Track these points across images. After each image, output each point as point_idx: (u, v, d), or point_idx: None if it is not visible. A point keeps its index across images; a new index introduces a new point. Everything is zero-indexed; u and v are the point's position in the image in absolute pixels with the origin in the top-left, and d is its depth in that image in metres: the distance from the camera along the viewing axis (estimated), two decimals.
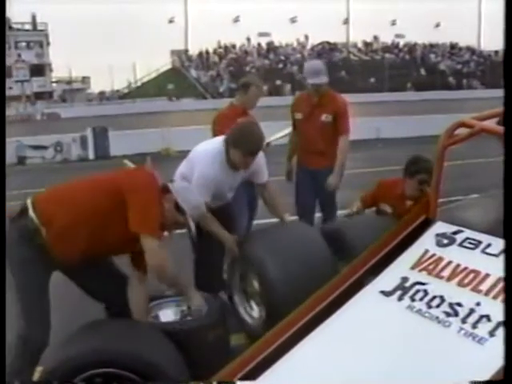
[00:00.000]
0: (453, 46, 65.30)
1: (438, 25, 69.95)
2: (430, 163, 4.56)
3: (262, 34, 63.87)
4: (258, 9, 66.94)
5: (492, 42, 59.53)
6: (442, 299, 2.72)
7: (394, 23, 69.15)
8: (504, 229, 2.15)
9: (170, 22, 65.97)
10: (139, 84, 60.23)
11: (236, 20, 67.38)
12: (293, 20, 68.95)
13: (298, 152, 5.90)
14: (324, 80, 5.67)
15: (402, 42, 65.75)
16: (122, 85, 60.77)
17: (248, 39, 63.16)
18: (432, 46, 64.80)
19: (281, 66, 53.97)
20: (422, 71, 57.52)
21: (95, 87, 62.11)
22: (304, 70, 5.82)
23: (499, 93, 2.37)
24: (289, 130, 5.52)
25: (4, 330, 2.69)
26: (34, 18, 55.44)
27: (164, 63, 61.64)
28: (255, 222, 6.08)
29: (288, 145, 6.05)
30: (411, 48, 63.92)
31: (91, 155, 17.34)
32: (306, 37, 64.11)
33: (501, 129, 2.55)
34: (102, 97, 57.90)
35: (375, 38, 65.91)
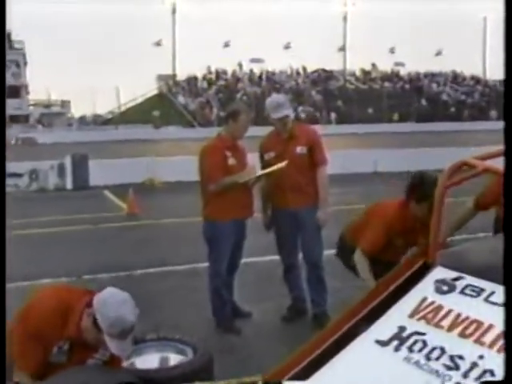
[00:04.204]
0: (456, 75, 66.09)
1: (439, 52, 70.85)
2: (436, 182, 4.49)
3: (254, 60, 64.53)
4: (250, 33, 67.95)
5: (498, 70, 60.43)
6: (443, 351, 2.70)
7: (392, 51, 70.11)
8: (504, 236, 2.14)
9: (157, 45, 66.57)
10: (123, 109, 60.49)
11: (227, 45, 68.06)
12: (287, 46, 69.72)
13: (274, 193, 5.90)
14: (288, 112, 5.77)
15: (401, 71, 66.50)
16: (104, 110, 61.21)
17: (239, 65, 63.78)
18: (434, 74, 65.56)
19: (274, 93, 54.35)
20: (423, 101, 58.07)
21: (76, 111, 62.46)
22: (266, 107, 5.85)
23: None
24: (283, 164, 5.53)
25: (4, 331, 2.87)
26: (9, 35, 55.72)
27: (150, 88, 62.21)
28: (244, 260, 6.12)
29: (260, 192, 6.04)
30: (412, 77, 64.65)
31: (69, 185, 17.29)
32: (303, 67, 64.71)
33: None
34: (83, 122, 58.08)
35: (373, 65, 66.74)
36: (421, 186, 4.67)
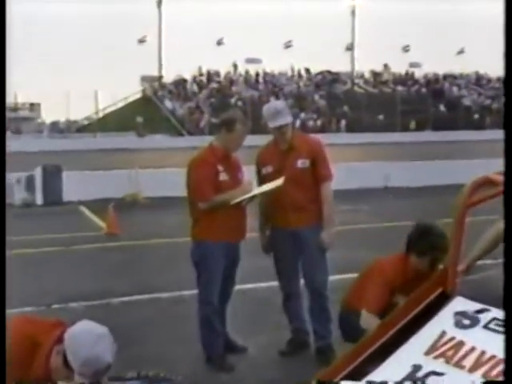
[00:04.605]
0: (479, 77, 66.29)
1: (461, 51, 70.88)
2: (442, 238, 4.54)
3: (250, 60, 64.70)
4: (247, 30, 67.95)
5: None
6: None
7: (407, 49, 70.29)
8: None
9: (141, 42, 66.71)
10: (102, 115, 60.53)
11: (220, 43, 68.27)
12: (287, 45, 69.90)
13: (272, 211, 5.92)
14: (288, 120, 5.78)
15: (417, 72, 66.67)
16: (80, 115, 61.12)
17: (234, 66, 63.96)
18: (454, 76, 65.76)
19: (272, 98, 54.44)
20: (442, 107, 58.25)
21: (47, 116, 62.44)
22: (263, 115, 5.86)
23: None
24: (280, 180, 5.53)
25: (4, 330, 3.01)
26: None
27: (132, 91, 62.19)
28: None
29: (259, 209, 6.08)
30: (429, 79, 64.88)
31: (39, 200, 17.26)
32: (306, 68, 64.91)
33: None
34: (55, 128, 58.07)
35: (385, 66, 66.96)
36: (422, 239, 4.79)
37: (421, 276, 4.70)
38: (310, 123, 53.52)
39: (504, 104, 2.45)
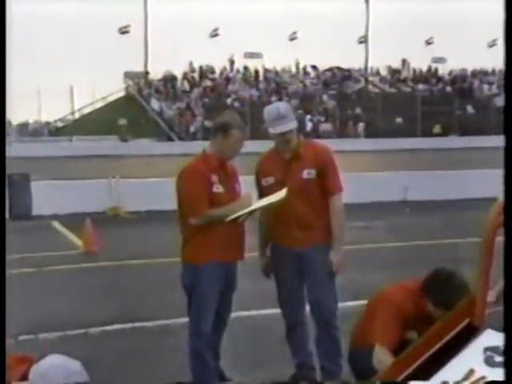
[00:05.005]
0: None
1: (493, 43, 70.54)
2: (462, 289, 4.56)
3: (249, 55, 64.73)
4: (245, 20, 67.79)
5: None
6: None
7: (430, 42, 70.19)
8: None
9: (123, 32, 66.54)
10: (79, 116, 60.58)
11: (214, 34, 68.23)
12: (292, 37, 69.84)
13: (274, 229, 5.95)
14: (292, 125, 5.79)
15: (441, 68, 66.60)
16: (54, 116, 61.07)
17: (231, 61, 64.00)
18: (484, 73, 65.79)
19: (274, 98, 54.54)
20: (470, 108, 58.29)
21: (13, 118, 62.28)
22: (264, 118, 5.87)
23: None
24: (282, 192, 5.52)
25: (4, 330, 3.26)
26: None
27: (114, 89, 62.15)
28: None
29: (258, 226, 6.11)
30: (455, 76, 64.92)
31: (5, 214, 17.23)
32: (313, 65, 64.98)
33: None
34: (24, 131, 58.00)
35: (404, 62, 66.92)
36: (440, 290, 4.80)
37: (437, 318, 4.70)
38: (323, 127, 53.49)
39: (504, 106, 2.58)
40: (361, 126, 55.20)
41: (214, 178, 5.67)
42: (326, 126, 54.20)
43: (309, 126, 52.39)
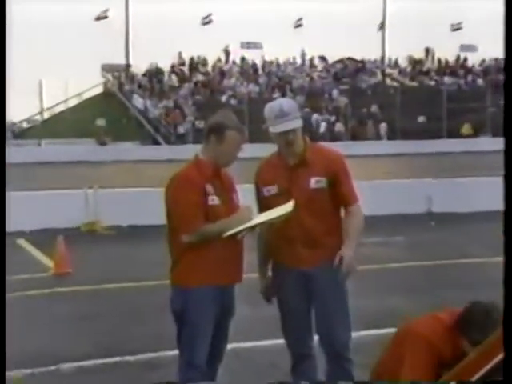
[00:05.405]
0: None
1: None
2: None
3: (247, 45, 64.89)
4: (242, 5, 67.86)
5: None
6: None
7: (457, 27, 70.19)
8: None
9: (101, 18, 66.66)
10: (48, 116, 60.61)
11: (207, 21, 68.34)
12: (296, 24, 69.92)
13: (277, 246, 5.94)
14: (295, 124, 5.77)
15: (471, 58, 66.60)
16: (19, 116, 61.08)
17: (226, 51, 64.18)
18: None
19: (276, 94, 54.65)
20: None
21: None
22: (265, 117, 5.85)
23: None
24: (289, 205, 5.49)
25: (4, 330, 3.88)
26: None
27: (90, 84, 62.20)
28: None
29: (258, 242, 6.11)
30: (486, 67, 65.00)
31: None
32: (321, 56, 65.13)
33: None
34: None
35: (427, 51, 66.99)
36: (478, 328, 4.72)
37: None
38: (338, 127, 53.57)
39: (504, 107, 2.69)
40: (383, 126, 55.12)
41: (209, 187, 5.63)
42: (338, 127, 54.21)
43: (322, 126, 52.48)
